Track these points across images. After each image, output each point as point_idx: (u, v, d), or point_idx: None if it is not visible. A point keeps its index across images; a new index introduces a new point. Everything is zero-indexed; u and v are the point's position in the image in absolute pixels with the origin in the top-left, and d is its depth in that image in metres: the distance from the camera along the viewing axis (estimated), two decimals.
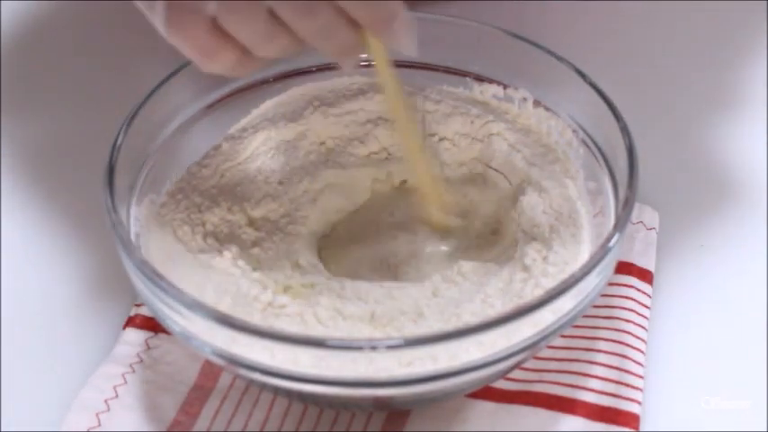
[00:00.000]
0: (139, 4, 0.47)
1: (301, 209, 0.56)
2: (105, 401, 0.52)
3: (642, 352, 0.54)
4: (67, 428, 0.51)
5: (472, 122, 0.59)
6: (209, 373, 0.53)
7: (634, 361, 0.53)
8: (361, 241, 0.56)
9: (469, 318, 0.48)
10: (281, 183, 0.56)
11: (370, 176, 0.59)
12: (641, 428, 0.51)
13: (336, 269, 0.54)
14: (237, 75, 0.48)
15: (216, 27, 0.45)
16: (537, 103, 0.58)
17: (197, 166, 0.57)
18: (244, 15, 0.45)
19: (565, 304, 0.46)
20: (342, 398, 0.48)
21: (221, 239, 0.53)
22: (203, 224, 0.53)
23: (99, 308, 0.57)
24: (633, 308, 0.55)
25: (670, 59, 0.73)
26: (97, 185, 0.50)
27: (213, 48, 0.46)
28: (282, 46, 0.46)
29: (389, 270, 0.54)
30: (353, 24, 0.46)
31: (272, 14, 0.45)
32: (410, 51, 0.49)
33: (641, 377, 0.53)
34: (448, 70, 0.60)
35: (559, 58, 0.55)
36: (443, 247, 0.56)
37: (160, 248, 0.52)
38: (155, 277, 0.46)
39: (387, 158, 0.59)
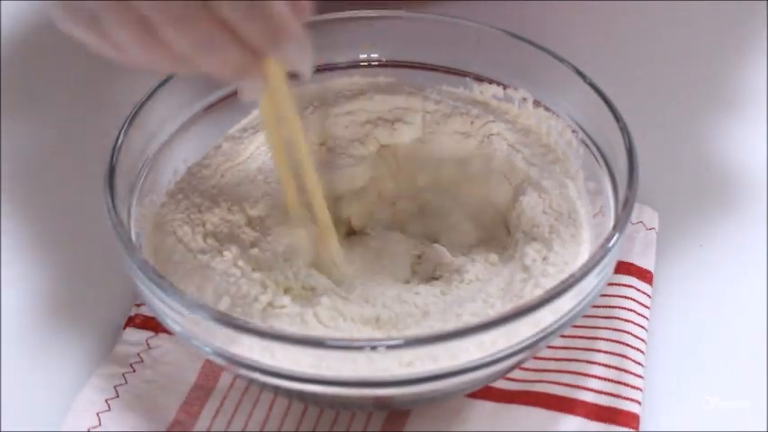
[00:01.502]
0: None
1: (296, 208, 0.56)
2: (106, 401, 0.52)
3: (642, 352, 0.54)
4: (68, 428, 0.51)
5: (472, 122, 0.59)
6: (210, 373, 0.53)
7: (634, 361, 0.53)
8: (360, 241, 0.56)
9: (470, 318, 0.49)
10: (280, 182, 0.56)
11: (369, 176, 0.59)
12: (641, 428, 0.51)
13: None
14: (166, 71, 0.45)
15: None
16: (537, 104, 0.58)
17: (197, 166, 0.57)
18: (117, 18, 0.42)
19: (565, 304, 0.46)
20: (342, 398, 0.48)
21: (221, 240, 0.53)
22: (203, 224, 0.53)
23: (99, 308, 0.57)
24: (633, 308, 0.55)
25: (670, 60, 0.73)
26: (98, 186, 0.50)
27: (107, 46, 0.44)
28: (163, 59, 0.43)
29: (387, 269, 0.54)
30: (239, 42, 0.42)
31: (148, 23, 0.42)
32: (305, 73, 0.45)
33: (641, 377, 0.53)
34: (448, 70, 0.60)
35: (559, 58, 0.55)
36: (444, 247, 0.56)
37: (160, 248, 0.52)
38: (155, 277, 0.46)
39: (387, 158, 0.59)
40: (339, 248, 0.53)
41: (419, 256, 0.56)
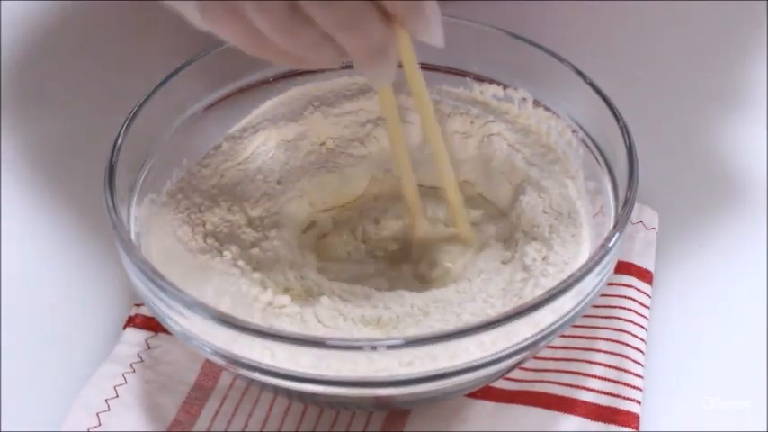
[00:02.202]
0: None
1: (297, 208, 0.56)
2: (106, 401, 0.52)
3: (642, 352, 0.54)
4: (68, 428, 0.51)
5: (472, 122, 0.59)
6: (210, 372, 0.53)
7: (634, 361, 0.53)
8: (359, 242, 0.56)
9: (470, 317, 0.49)
10: (279, 182, 0.57)
11: (370, 176, 0.59)
12: (641, 428, 0.51)
13: (333, 270, 0.54)
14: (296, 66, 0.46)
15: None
16: (537, 103, 0.58)
17: (197, 166, 0.57)
18: (262, 3, 0.42)
19: (565, 304, 0.46)
20: (342, 398, 0.48)
21: (221, 239, 0.53)
22: (203, 224, 0.53)
23: (99, 308, 0.57)
24: (633, 308, 0.55)
25: (670, 59, 0.73)
26: (98, 185, 0.50)
27: (248, 38, 0.44)
28: (306, 42, 0.43)
29: (387, 274, 0.54)
30: (381, 17, 0.44)
31: (294, 6, 0.42)
32: (438, 42, 0.47)
33: (641, 377, 0.53)
34: (448, 70, 0.60)
35: (559, 58, 0.55)
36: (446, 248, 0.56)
37: (160, 248, 0.52)
38: (155, 277, 0.46)
39: (386, 158, 0.59)
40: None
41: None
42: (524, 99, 0.58)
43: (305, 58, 0.45)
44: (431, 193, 0.57)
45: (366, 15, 0.43)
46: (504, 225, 0.56)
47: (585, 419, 0.51)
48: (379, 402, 0.50)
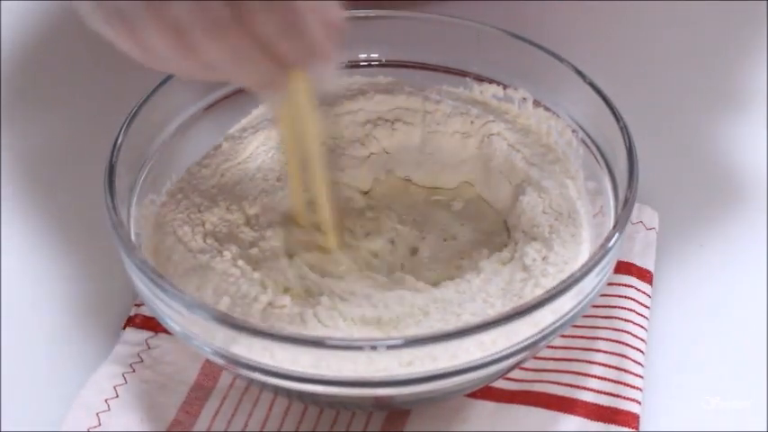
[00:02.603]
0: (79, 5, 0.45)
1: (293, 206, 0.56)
2: (105, 401, 0.52)
3: (642, 352, 0.54)
4: (68, 428, 0.51)
5: (472, 122, 0.59)
6: (209, 372, 0.53)
7: (633, 361, 0.53)
8: (358, 244, 0.56)
9: (470, 317, 0.49)
10: (278, 180, 0.56)
11: (370, 177, 0.59)
12: (641, 428, 0.51)
13: (332, 270, 0.54)
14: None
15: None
16: (537, 103, 0.58)
17: (197, 166, 0.57)
18: (153, 23, 0.42)
19: (565, 304, 0.46)
20: (342, 398, 0.48)
21: (221, 239, 0.53)
22: (203, 224, 0.53)
23: (99, 308, 0.57)
24: (633, 308, 0.55)
25: (670, 60, 0.73)
26: (98, 185, 0.50)
27: (141, 52, 0.44)
28: (193, 67, 0.43)
29: (385, 271, 0.54)
30: (271, 56, 0.42)
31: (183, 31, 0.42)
32: (331, 85, 0.45)
33: (641, 377, 0.53)
34: (448, 70, 0.60)
35: (559, 58, 0.55)
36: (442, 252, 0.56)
37: (160, 248, 0.52)
38: (155, 277, 0.46)
39: (387, 159, 0.59)
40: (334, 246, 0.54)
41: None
42: (524, 99, 0.58)
43: (200, 75, 0.44)
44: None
45: (251, 55, 0.42)
46: (497, 239, 0.56)
47: (585, 419, 0.51)
48: (379, 402, 0.50)
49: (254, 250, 0.52)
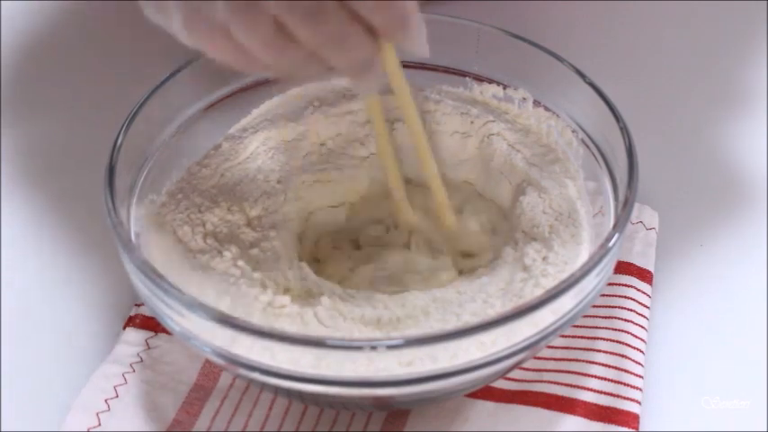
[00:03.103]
0: (153, 13, 0.46)
1: (295, 209, 0.56)
2: (106, 401, 0.52)
3: (642, 352, 0.54)
4: (68, 428, 0.51)
5: (472, 122, 0.59)
6: (210, 372, 0.53)
7: (633, 361, 0.53)
8: (357, 246, 0.56)
9: (470, 318, 0.49)
10: (279, 182, 0.57)
11: (369, 177, 0.59)
12: (641, 428, 0.51)
13: (331, 275, 0.54)
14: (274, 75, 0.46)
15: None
16: (537, 103, 0.58)
17: (197, 166, 0.57)
18: (247, 23, 0.43)
19: (565, 304, 0.46)
20: (342, 398, 0.48)
21: (221, 240, 0.53)
22: (203, 224, 0.53)
23: (99, 308, 0.57)
24: (633, 308, 0.55)
25: (670, 59, 0.73)
26: (97, 186, 0.50)
27: (235, 55, 0.44)
28: (294, 59, 0.44)
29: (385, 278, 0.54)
30: (365, 32, 0.44)
31: (280, 24, 0.43)
32: (423, 53, 0.47)
33: (641, 377, 0.53)
34: (448, 70, 0.60)
35: (559, 58, 0.55)
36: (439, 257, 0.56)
37: (160, 248, 0.52)
38: (155, 277, 0.46)
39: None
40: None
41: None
42: (524, 99, 0.58)
43: (294, 73, 0.45)
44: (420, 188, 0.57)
45: (350, 32, 0.43)
46: (502, 233, 0.56)
47: (585, 419, 0.51)
48: (379, 402, 0.50)
49: (255, 250, 0.52)
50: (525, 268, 0.51)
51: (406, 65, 0.59)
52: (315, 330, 0.48)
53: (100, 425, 0.51)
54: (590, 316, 0.55)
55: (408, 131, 0.54)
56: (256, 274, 0.51)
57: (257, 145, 0.58)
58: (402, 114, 0.53)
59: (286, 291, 0.51)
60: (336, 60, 0.44)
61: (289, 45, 0.43)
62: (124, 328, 0.55)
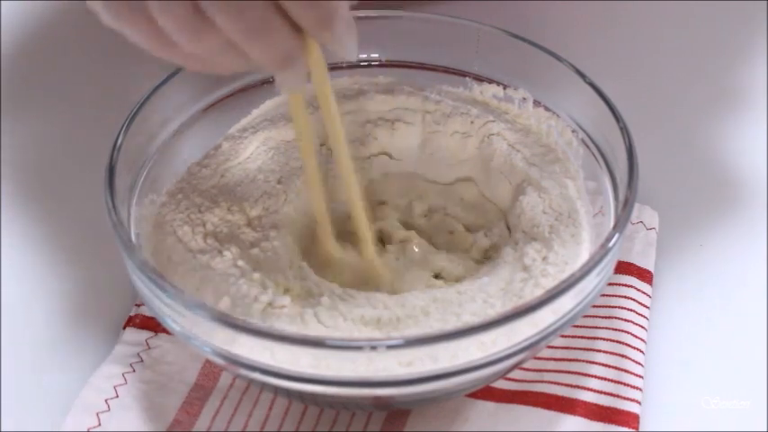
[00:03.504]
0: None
1: (296, 209, 0.56)
2: (106, 401, 0.52)
3: (642, 352, 0.54)
4: (68, 428, 0.51)
5: (472, 122, 0.59)
6: (210, 372, 0.53)
7: (634, 361, 0.53)
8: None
9: (470, 318, 0.48)
10: (279, 182, 0.56)
11: (367, 179, 0.59)
12: (641, 428, 0.51)
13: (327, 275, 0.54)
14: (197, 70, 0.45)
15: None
16: (537, 103, 0.58)
17: (197, 166, 0.57)
18: (162, 4, 0.41)
19: (565, 304, 0.46)
20: (342, 398, 0.48)
21: (221, 240, 0.53)
22: (203, 224, 0.53)
23: (99, 308, 0.57)
24: (633, 308, 0.55)
25: (670, 60, 0.73)
26: (98, 185, 0.50)
27: (153, 39, 0.43)
28: (210, 46, 0.42)
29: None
30: (289, 26, 0.42)
31: (198, 7, 0.41)
32: (351, 56, 0.45)
33: (641, 377, 0.53)
34: (448, 70, 0.60)
35: (559, 58, 0.56)
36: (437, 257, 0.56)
37: (160, 248, 0.52)
38: (155, 277, 0.46)
39: (387, 159, 0.59)
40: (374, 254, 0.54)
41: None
42: (524, 99, 0.58)
43: (211, 61, 0.44)
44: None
45: (272, 24, 0.42)
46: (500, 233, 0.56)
47: (585, 419, 0.51)
48: (379, 402, 0.50)
49: (255, 251, 0.52)
50: (525, 268, 0.51)
51: (406, 65, 0.60)
52: (315, 330, 0.48)
53: (100, 425, 0.51)
54: (590, 316, 0.55)
55: (331, 144, 0.51)
56: (256, 274, 0.51)
57: (257, 145, 0.58)
58: (325, 124, 0.50)
59: (286, 291, 0.51)
60: (255, 52, 0.43)
61: (206, 30, 0.42)
62: (124, 328, 0.55)
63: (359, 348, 0.44)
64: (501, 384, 0.52)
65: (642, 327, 0.55)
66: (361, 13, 0.58)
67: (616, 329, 0.54)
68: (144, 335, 0.55)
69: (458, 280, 0.54)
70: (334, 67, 0.60)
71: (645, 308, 0.56)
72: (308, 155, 0.52)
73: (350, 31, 0.44)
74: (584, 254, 0.52)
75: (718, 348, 0.55)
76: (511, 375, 0.52)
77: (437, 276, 0.55)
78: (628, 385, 0.52)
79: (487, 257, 0.55)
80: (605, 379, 0.52)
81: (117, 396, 0.52)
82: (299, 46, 0.43)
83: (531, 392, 0.52)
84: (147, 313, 0.55)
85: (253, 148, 0.58)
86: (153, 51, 0.44)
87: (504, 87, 0.59)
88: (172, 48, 0.43)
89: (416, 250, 0.56)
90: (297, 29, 0.43)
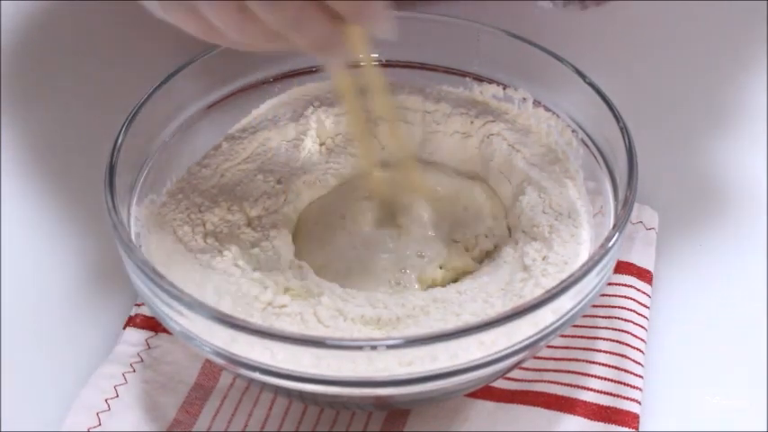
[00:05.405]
0: None
1: (296, 209, 0.56)
2: (106, 401, 0.52)
3: (642, 351, 0.54)
4: (68, 428, 0.51)
5: (472, 122, 0.59)
6: (210, 372, 0.53)
7: (633, 360, 0.53)
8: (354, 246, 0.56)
9: (470, 317, 0.49)
10: (279, 182, 0.57)
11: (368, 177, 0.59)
12: (641, 428, 0.51)
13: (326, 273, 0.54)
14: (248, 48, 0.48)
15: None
16: (537, 103, 0.58)
17: (197, 166, 0.57)
18: (212, 6, 0.45)
19: (565, 304, 0.46)
20: (342, 398, 0.48)
21: (221, 239, 0.53)
22: (203, 224, 0.53)
23: (99, 308, 0.57)
24: (633, 308, 0.55)
25: (670, 60, 0.73)
26: (98, 185, 0.50)
27: (203, 31, 0.47)
28: (257, 37, 0.46)
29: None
30: (328, 15, 0.45)
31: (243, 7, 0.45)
32: (389, 35, 0.47)
33: (641, 377, 0.53)
34: (448, 70, 0.60)
35: (559, 58, 0.56)
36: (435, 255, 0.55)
37: (160, 248, 0.52)
38: (155, 277, 0.46)
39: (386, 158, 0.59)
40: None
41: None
42: (524, 99, 0.58)
43: (259, 47, 0.47)
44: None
45: (310, 16, 0.45)
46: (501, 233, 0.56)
47: (585, 419, 0.51)
48: (379, 402, 0.50)
49: (255, 250, 0.52)
50: (525, 268, 0.51)
51: (406, 65, 0.60)
52: (315, 330, 0.48)
53: (100, 425, 0.51)
54: (590, 316, 0.55)
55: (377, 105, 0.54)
56: (256, 274, 0.51)
57: (257, 145, 0.58)
58: (376, 104, 0.55)
59: (286, 290, 0.51)
60: (296, 41, 0.46)
61: (251, 25, 0.45)
62: (124, 328, 0.55)
63: (359, 348, 0.44)
64: (501, 384, 0.52)
65: (642, 327, 0.55)
66: None
67: (616, 329, 0.54)
68: (144, 335, 0.55)
69: (458, 272, 0.54)
70: None
71: (645, 308, 0.56)
72: (358, 124, 0.56)
73: (386, 11, 0.46)
74: (583, 254, 0.52)
75: (718, 348, 0.55)
76: (511, 375, 0.52)
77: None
78: (628, 385, 0.52)
79: (488, 257, 0.55)
80: (605, 379, 0.52)
81: (117, 396, 0.52)
82: (337, 32, 0.46)
83: (531, 392, 0.52)
84: (148, 313, 0.55)
85: (253, 149, 0.58)
86: (202, 38, 0.47)
87: (504, 87, 0.59)
88: (221, 36, 0.46)
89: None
90: (335, 15, 0.45)
